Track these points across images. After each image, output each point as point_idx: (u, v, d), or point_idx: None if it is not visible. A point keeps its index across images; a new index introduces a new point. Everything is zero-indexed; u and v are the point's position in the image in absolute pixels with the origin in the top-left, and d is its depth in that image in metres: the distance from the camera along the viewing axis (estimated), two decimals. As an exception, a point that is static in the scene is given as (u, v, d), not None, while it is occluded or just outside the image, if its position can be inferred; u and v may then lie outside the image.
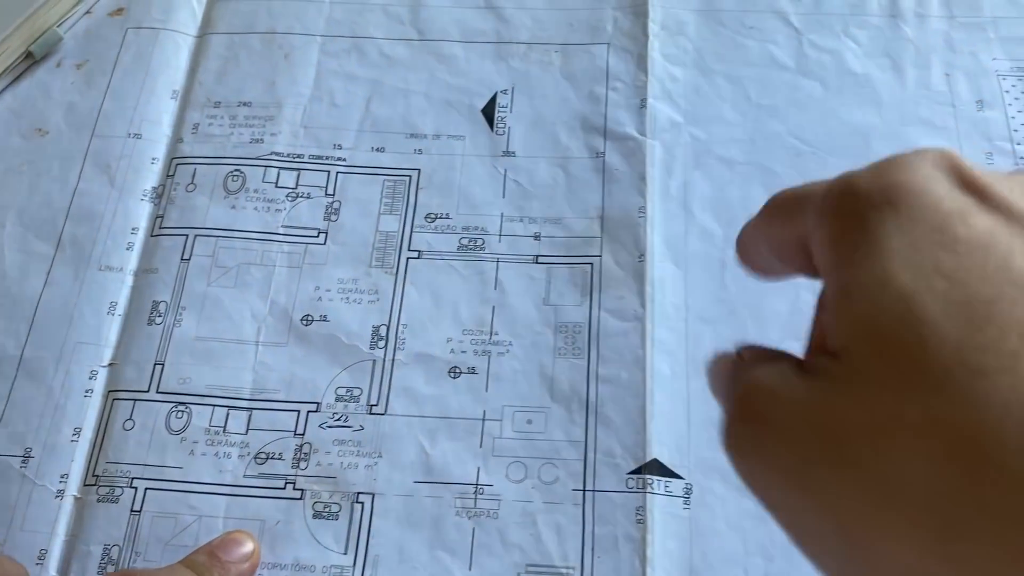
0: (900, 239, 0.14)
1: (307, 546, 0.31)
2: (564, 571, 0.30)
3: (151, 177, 0.38)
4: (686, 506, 0.31)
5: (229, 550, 0.30)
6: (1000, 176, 0.15)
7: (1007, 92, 0.38)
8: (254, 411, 0.33)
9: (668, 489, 0.31)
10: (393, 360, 0.34)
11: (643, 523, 0.31)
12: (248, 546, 0.31)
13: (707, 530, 0.31)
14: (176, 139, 0.39)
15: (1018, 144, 0.37)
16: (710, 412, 0.33)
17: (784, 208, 0.17)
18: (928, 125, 0.38)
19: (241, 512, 0.31)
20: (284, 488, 0.32)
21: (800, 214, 0.16)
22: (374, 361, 0.34)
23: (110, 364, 0.34)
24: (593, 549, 0.30)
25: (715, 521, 0.31)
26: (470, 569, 0.30)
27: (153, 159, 0.39)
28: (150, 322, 0.35)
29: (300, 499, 0.32)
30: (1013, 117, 0.38)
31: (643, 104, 0.38)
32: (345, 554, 0.31)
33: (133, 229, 0.37)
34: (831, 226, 0.15)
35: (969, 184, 0.14)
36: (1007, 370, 0.12)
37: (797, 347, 0.34)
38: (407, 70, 0.40)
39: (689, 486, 0.31)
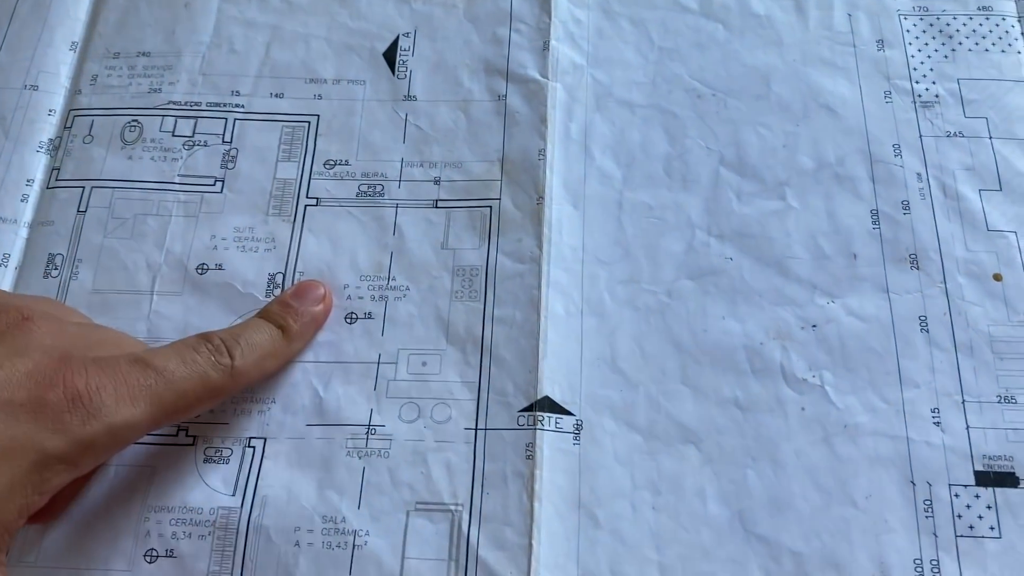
0: None
1: (195, 489, 0.31)
2: (453, 508, 0.30)
3: (48, 129, 0.37)
4: (576, 442, 0.31)
5: (301, 296, 0.32)
6: None
7: (907, 32, 0.39)
8: (148, 359, 0.33)
9: (558, 425, 0.31)
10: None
11: (532, 459, 0.31)
12: (319, 290, 0.33)
13: (596, 465, 0.31)
14: (74, 90, 0.38)
15: (916, 83, 0.38)
16: (602, 350, 0.33)
17: None
18: (829, 65, 0.38)
19: (132, 458, 0.31)
20: (176, 435, 0.32)
21: None
22: (269, 308, 0.34)
23: (2, 316, 0.34)
24: (483, 485, 0.30)
25: (604, 456, 0.31)
26: (359, 508, 0.30)
27: (50, 111, 0.38)
28: (46, 275, 0.35)
29: (192, 445, 0.31)
30: (913, 56, 0.38)
31: (546, 46, 0.38)
32: (233, 495, 0.31)
33: (28, 181, 0.36)
34: None
35: None
36: None
37: (691, 285, 0.34)
38: (307, 14, 0.39)
39: (579, 422, 0.32)
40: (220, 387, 0.29)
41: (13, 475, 0.24)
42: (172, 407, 0.27)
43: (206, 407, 0.30)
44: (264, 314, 0.32)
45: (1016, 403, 0.32)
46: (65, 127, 0.38)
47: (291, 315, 0.32)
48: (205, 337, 0.29)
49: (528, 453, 0.31)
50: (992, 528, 0.30)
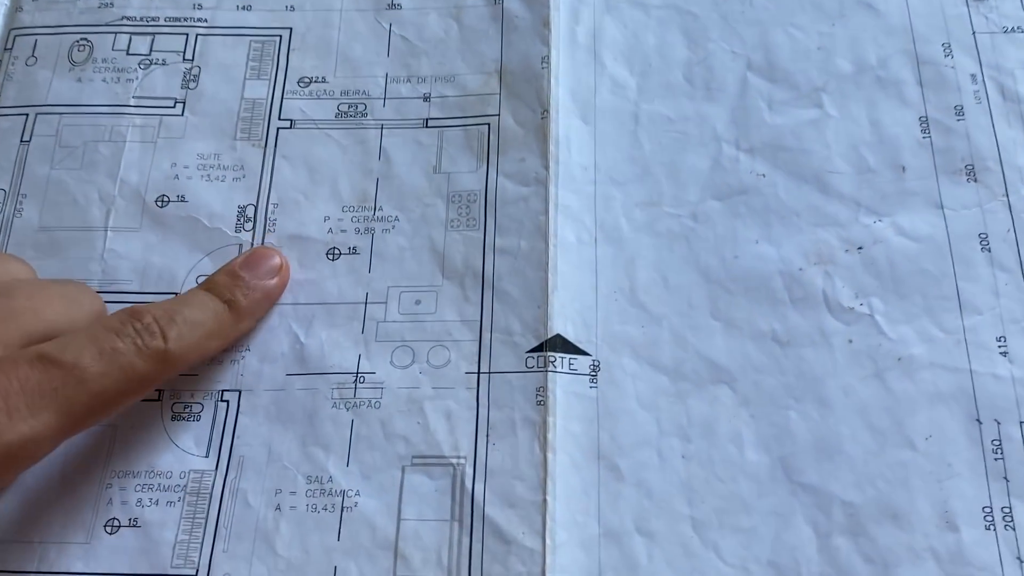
0: None
1: (164, 451, 0.27)
2: (454, 461, 0.27)
3: (-15, 51, 0.33)
4: (593, 384, 0.28)
5: (253, 267, 0.28)
6: None
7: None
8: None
9: (572, 367, 0.28)
10: (263, 244, 0.30)
11: (544, 405, 0.27)
12: (274, 260, 0.29)
13: (616, 410, 0.27)
14: (14, 8, 0.34)
15: (968, -28, 0.33)
16: (620, 282, 0.29)
17: None
18: (867, -44, 0.34)
19: (87, 416, 0.27)
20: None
21: None
22: (240, 245, 0.30)
23: (-63, 260, 0.30)
24: (488, 436, 0.27)
25: (625, 400, 0.27)
26: (348, 465, 0.27)
27: (-12, 31, 0.34)
28: (-12, 213, 0.31)
29: (158, 400, 0.28)
30: (963, -57, 0.34)
31: (546, -57, 0.34)
32: (207, 457, 0.27)
33: (-36, 110, 0.32)
34: None
35: None
36: None
37: (719, 207, 0.30)
38: (275, -86, 0.35)
39: (596, 363, 0.28)
40: (148, 376, 0.24)
41: None
42: (87, 411, 0.23)
43: (133, 400, 0.25)
44: (209, 285, 0.28)
45: (1093, 328, 0.28)
46: (5, 48, 0.33)
47: (240, 288, 0.28)
48: (133, 314, 0.25)
49: (539, 398, 0.27)
50: (1071, 469, 0.26)
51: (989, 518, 0.26)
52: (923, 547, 0.26)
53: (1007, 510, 0.26)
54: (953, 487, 0.26)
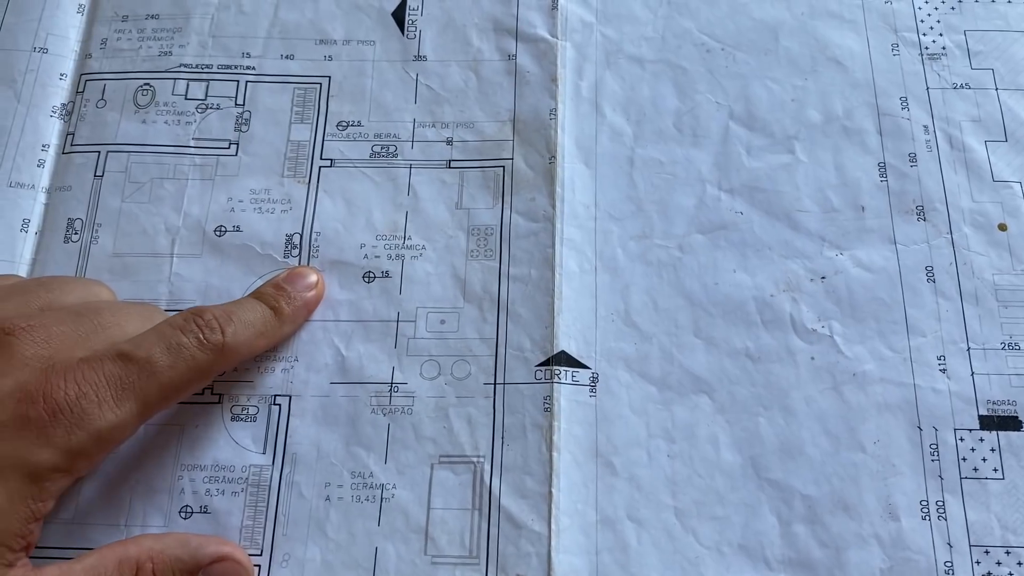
0: None
1: (226, 447, 0.32)
2: (475, 459, 0.31)
3: (60, 94, 0.38)
4: (592, 394, 0.32)
5: (294, 282, 0.33)
6: None
7: (915, -18, 0.39)
8: (172, 321, 0.33)
9: (575, 378, 0.32)
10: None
11: (550, 411, 0.32)
12: (312, 277, 0.33)
13: (612, 415, 0.32)
14: (84, 55, 0.39)
15: (923, 35, 0.38)
16: (616, 305, 0.34)
17: None
18: (837, 18, 0.38)
19: (159, 418, 0.32)
20: (203, 393, 0.32)
21: None
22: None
23: (26, 281, 0.34)
24: (503, 438, 0.32)
25: (620, 407, 0.32)
26: (386, 462, 0.31)
27: (61, 75, 0.38)
28: (66, 240, 0.35)
29: (218, 403, 0.32)
30: (920, 8, 0.38)
31: (554, 5, 0.38)
32: (264, 454, 0.32)
33: (44, 146, 0.37)
34: None
35: None
36: None
37: (702, 240, 0.35)
38: (314, -25, 0.39)
39: (595, 375, 0.33)
40: (209, 367, 0.29)
41: (9, 489, 0.25)
42: (160, 398, 0.28)
43: (197, 388, 0.30)
44: (257, 295, 0.32)
45: (1019, 350, 0.32)
46: (77, 92, 0.38)
47: (284, 297, 0.32)
48: (196, 312, 0.29)
49: (546, 406, 0.32)
50: (996, 470, 0.31)
51: (925, 510, 0.31)
52: (869, 534, 0.30)
53: (940, 503, 0.31)
54: (896, 484, 0.31)
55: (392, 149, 0.36)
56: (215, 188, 0.36)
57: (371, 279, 0.34)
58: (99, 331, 0.29)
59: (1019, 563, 0.30)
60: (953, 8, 0.38)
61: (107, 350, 0.28)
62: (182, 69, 0.38)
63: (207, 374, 0.29)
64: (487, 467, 0.31)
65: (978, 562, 0.30)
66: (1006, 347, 0.33)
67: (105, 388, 0.27)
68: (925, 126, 0.36)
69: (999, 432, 0.31)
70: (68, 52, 0.38)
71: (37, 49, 0.38)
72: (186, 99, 0.37)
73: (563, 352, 0.33)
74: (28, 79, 0.38)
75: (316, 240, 0.35)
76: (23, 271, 0.35)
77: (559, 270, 0.34)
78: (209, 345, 0.29)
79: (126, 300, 0.33)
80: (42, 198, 0.36)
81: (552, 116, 0.36)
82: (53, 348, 0.28)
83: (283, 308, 0.32)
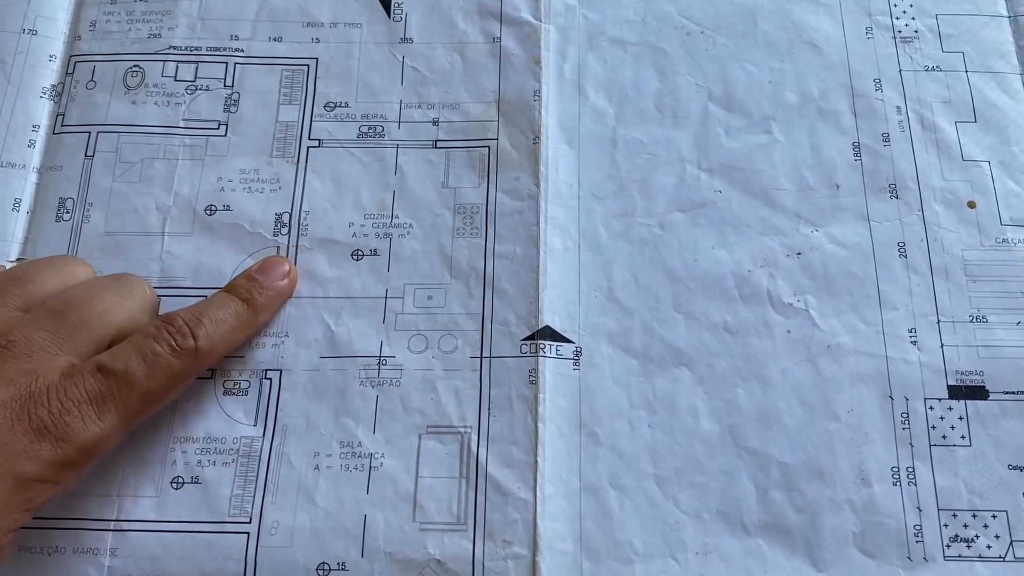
0: None
1: (218, 420, 0.32)
2: (462, 430, 0.32)
3: (49, 75, 0.38)
4: (575, 367, 0.33)
5: (267, 272, 0.33)
6: None
7: (889, -32, 0.40)
8: (163, 299, 0.34)
9: (559, 352, 0.33)
10: (297, 246, 0.35)
11: (535, 383, 0.33)
12: (284, 266, 0.34)
13: (595, 387, 0.33)
14: (74, 36, 0.39)
15: (896, 18, 0.39)
16: (599, 281, 0.35)
17: None
18: (813, 2, 0.39)
19: (154, 392, 0.32)
20: (195, 369, 0.33)
21: None
22: (278, 247, 0.35)
23: (18, 259, 0.35)
24: (489, 409, 0.32)
25: (602, 379, 0.33)
26: (374, 433, 0.32)
27: (51, 56, 0.38)
28: (58, 219, 0.36)
29: (211, 378, 0.33)
30: (894, -8, 0.39)
31: (538, -12, 0.39)
32: (255, 426, 0.32)
33: (34, 126, 0.37)
34: None
35: None
36: None
37: (682, 217, 0.36)
38: (302, -41, 0.40)
39: (579, 349, 0.34)
40: (186, 372, 0.30)
41: None
42: (140, 407, 0.29)
43: (177, 393, 0.30)
44: (230, 287, 0.33)
45: (987, 322, 0.34)
46: (67, 73, 0.38)
47: (256, 288, 0.32)
48: (167, 320, 0.30)
49: (531, 378, 0.33)
50: (963, 437, 0.32)
51: (896, 476, 0.32)
52: (843, 499, 0.31)
53: (911, 470, 0.32)
54: (868, 451, 0.32)
55: (379, 130, 0.37)
56: (205, 168, 0.36)
57: (359, 257, 0.35)
58: (80, 328, 0.29)
59: (985, 526, 0.31)
60: (925, -7, 0.39)
61: (87, 364, 0.28)
62: (171, 51, 0.38)
63: (185, 378, 0.30)
64: (474, 437, 0.32)
65: (946, 525, 0.31)
66: (974, 320, 0.34)
67: (87, 403, 0.27)
68: (898, 107, 0.37)
69: (967, 401, 0.33)
70: (57, 34, 0.39)
71: (26, 31, 0.39)
72: (175, 80, 0.38)
73: (547, 327, 0.34)
74: (18, 60, 0.38)
75: (305, 219, 0.36)
76: (15, 250, 0.35)
77: (543, 247, 0.35)
78: (182, 351, 0.29)
79: (102, 276, 0.33)
80: (33, 178, 0.36)
81: (536, 97, 0.37)
82: (36, 360, 0.28)
83: (256, 299, 0.32)
